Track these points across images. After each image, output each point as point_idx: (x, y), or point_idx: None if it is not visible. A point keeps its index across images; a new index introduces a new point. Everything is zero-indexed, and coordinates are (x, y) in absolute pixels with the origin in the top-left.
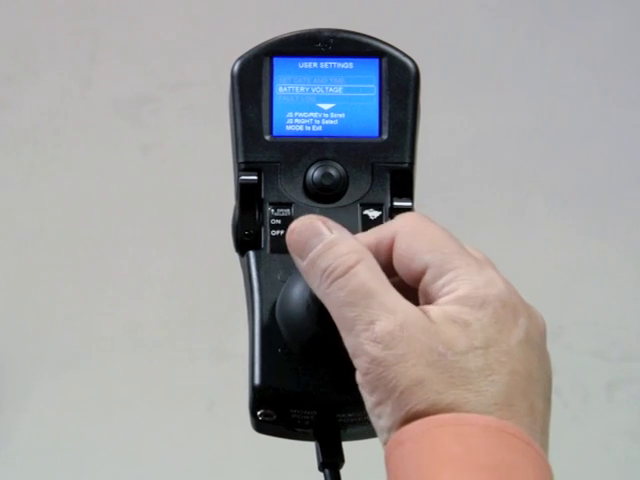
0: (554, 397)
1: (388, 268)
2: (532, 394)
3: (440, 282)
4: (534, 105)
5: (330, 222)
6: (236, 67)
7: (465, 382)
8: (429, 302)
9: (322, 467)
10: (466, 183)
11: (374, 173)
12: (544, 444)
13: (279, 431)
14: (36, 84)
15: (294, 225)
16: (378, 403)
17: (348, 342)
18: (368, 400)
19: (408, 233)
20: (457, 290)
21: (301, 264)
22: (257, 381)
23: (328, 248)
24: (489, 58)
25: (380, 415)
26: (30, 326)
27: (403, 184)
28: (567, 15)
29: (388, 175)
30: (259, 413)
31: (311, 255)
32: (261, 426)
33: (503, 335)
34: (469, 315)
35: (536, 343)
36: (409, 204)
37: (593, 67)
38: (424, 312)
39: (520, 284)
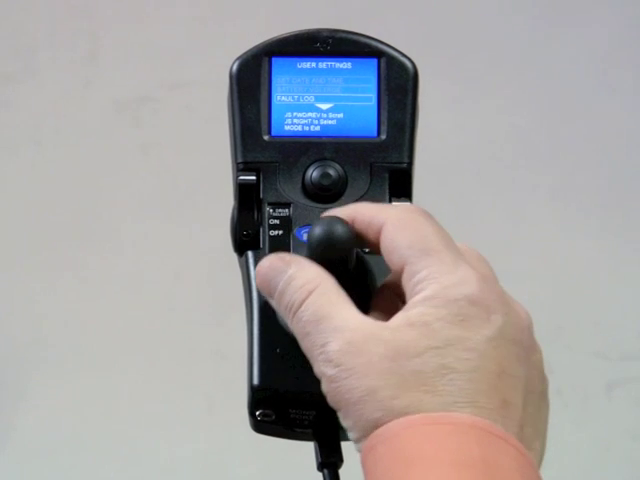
0: (554, 397)
1: (378, 247)
2: (506, 389)
3: (414, 280)
4: (535, 105)
5: (288, 257)
6: (235, 67)
7: (420, 384)
8: (408, 300)
9: (321, 467)
10: (466, 183)
11: (373, 173)
12: (526, 438)
13: (278, 431)
14: (36, 84)
15: (258, 268)
16: (343, 418)
17: (314, 369)
18: (339, 416)
19: (395, 225)
20: (425, 290)
21: (273, 303)
22: (256, 381)
23: (287, 284)
24: (489, 58)
25: (348, 429)
26: (29, 326)
27: (402, 184)
28: (568, 14)
29: (387, 175)
30: (258, 413)
31: (276, 295)
32: (260, 426)
33: (469, 332)
34: (430, 315)
35: (514, 339)
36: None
37: (594, 66)
38: (382, 322)
39: (520, 284)
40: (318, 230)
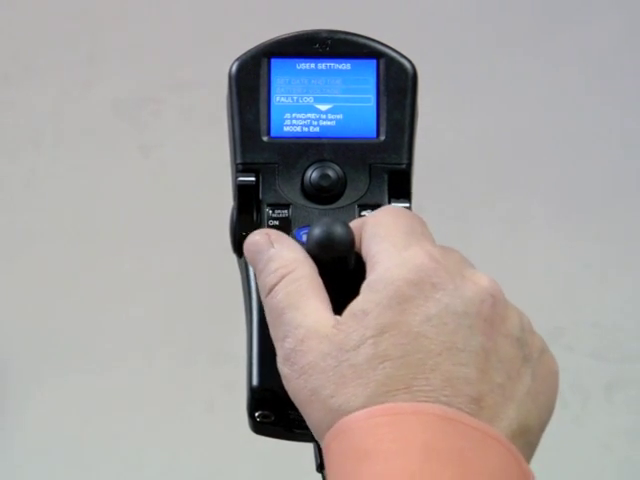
0: None
1: None
2: (449, 365)
3: (368, 266)
4: (534, 106)
5: (274, 235)
6: (234, 68)
7: (356, 377)
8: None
9: (320, 468)
10: (466, 184)
11: (372, 174)
12: (487, 409)
13: (277, 432)
14: (36, 84)
15: (246, 241)
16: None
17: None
18: None
19: (371, 222)
20: (369, 275)
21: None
22: (255, 382)
23: (265, 264)
24: (488, 58)
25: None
26: (31, 327)
27: (401, 185)
28: (567, 15)
29: (386, 176)
30: (257, 414)
31: (257, 273)
32: (259, 427)
33: (405, 315)
34: (370, 302)
35: (465, 312)
36: (407, 205)
37: (594, 68)
38: (335, 317)
39: (519, 285)
40: (317, 231)
